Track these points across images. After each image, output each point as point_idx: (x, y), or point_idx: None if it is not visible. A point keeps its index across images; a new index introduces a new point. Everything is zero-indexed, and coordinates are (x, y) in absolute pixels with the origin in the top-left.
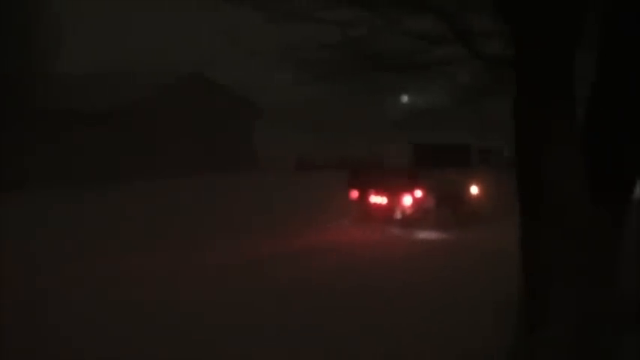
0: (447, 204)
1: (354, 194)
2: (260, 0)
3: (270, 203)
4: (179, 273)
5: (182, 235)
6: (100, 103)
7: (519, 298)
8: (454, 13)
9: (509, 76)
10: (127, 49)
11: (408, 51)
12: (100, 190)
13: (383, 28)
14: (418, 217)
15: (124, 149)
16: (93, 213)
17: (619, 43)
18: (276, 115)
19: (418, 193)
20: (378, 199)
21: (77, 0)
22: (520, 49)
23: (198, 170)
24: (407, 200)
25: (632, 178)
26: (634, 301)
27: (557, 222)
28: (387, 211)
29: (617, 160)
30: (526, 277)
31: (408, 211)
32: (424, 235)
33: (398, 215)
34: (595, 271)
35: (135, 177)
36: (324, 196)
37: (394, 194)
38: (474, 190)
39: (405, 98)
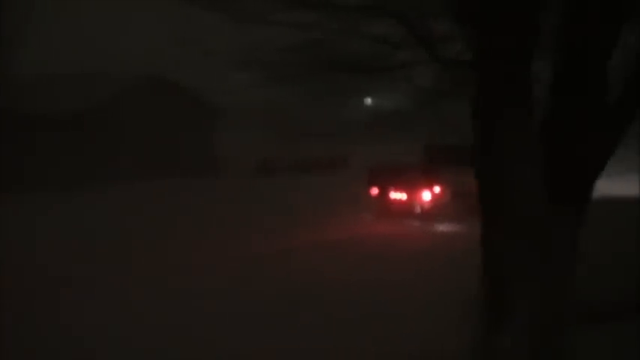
0: (463, 199)
1: (374, 191)
2: (217, 1)
3: (271, 205)
4: (235, 261)
5: (202, 233)
6: (56, 106)
7: (480, 298)
8: (414, 17)
9: (468, 78)
10: (85, 51)
11: (368, 54)
12: (61, 194)
13: (342, 32)
14: (436, 211)
15: (82, 153)
16: (67, 218)
17: (575, 46)
18: (237, 117)
19: (437, 189)
20: (397, 195)
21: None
22: (479, 53)
23: (157, 174)
24: (426, 196)
25: (589, 178)
26: (587, 301)
27: (517, 222)
28: (406, 206)
29: (574, 160)
30: (487, 277)
31: (427, 206)
32: (442, 227)
33: (417, 210)
34: (554, 270)
35: (93, 181)
36: (322, 196)
37: (413, 190)
38: None
39: (368, 100)
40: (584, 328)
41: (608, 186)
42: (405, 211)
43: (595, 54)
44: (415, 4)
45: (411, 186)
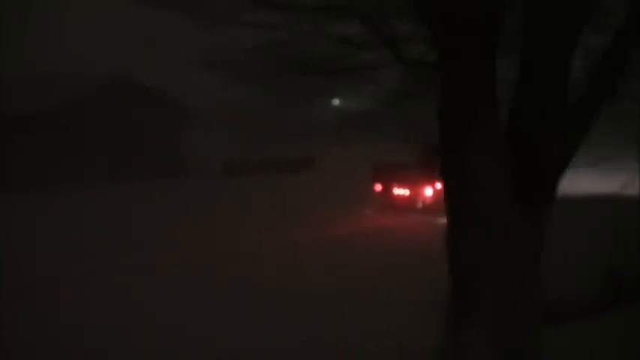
0: None
1: (378, 187)
2: (181, 3)
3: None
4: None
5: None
6: (22, 106)
7: (446, 298)
8: (377, 18)
9: (433, 78)
10: (51, 51)
11: (333, 55)
12: (26, 196)
13: (307, 33)
14: (437, 206)
15: (48, 154)
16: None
17: (538, 46)
18: (205, 117)
19: (437, 185)
20: (401, 191)
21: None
22: (442, 53)
23: (124, 175)
24: (427, 191)
25: (554, 178)
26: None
27: (481, 222)
28: (409, 201)
29: (539, 160)
30: (452, 277)
31: (428, 201)
32: (442, 220)
33: (419, 204)
34: (519, 270)
35: (60, 183)
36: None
37: (416, 186)
38: None
39: (336, 101)
40: (549, 328)
41: (572, 182)
42: (407, 205)
43: (557, 54)
44: (378, 4)
45: (414, 182)
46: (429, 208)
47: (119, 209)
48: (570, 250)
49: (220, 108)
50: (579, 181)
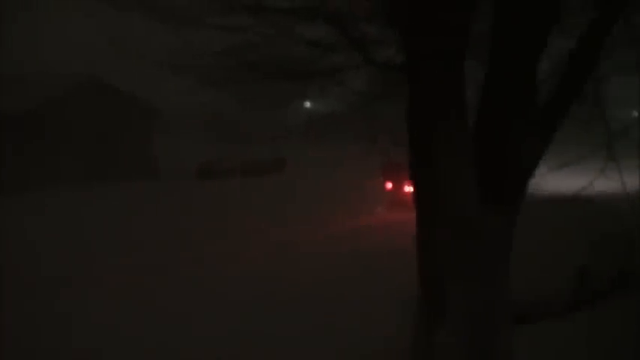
0: None
1: (389, 186)
2: (150, 5)
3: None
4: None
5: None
6: None
7: (417, 298)
8: (346, 20)
9: (401, 80)
10: (17, 52)
11: (302, 58)
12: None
13: (275, 36)
14: None
15: (18, 156)
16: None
17: (507, 48)
18: (178, 120)
19: None
20: (411, 189)
21: None
22: (411, 57)
23: (96, 177)
24: None
25: (522, 178)
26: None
27: (450, 223)
28: None
29: (507, 161)
30: (422, 277)
31: None
32: None
33: None
34: (488, 270)
35: (30, 185)
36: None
37: None
38: None
39: (307, 104)
40: (520, 328)
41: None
42: None
43: (525, 55)
44: (348, 7)
45: None
46: None
47: (91, 212)
48: (541, 250)
49: (193, 111)
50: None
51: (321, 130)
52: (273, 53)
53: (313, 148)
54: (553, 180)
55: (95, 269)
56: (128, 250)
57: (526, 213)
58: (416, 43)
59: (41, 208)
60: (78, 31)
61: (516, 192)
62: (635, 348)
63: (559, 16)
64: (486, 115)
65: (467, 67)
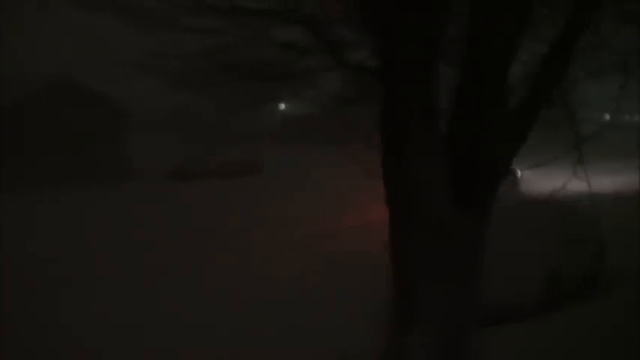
0: None
1: None
2: (121, 6)
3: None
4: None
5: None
6: None
7: (389, 300)
8: (320, 23)
9: (375, 83)
10: None
11: (274, 60)
12: None
13: (249, 38)
14: None
15: None
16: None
17: (478, 52)
18: (152, 121)
19: None
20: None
21: None
22: (384, 61)
23: (69, 179)
24: None
25: (494, 181)
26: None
27: (421, 224)
28: None
29: (479, 164)
30: (394, 279)
31: None
32: None
33: None
34: (460, 272)
35: (1, 187)
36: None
37: None
38: None
39: (282, 106)
40: (490, 330)
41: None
42: None
43: (497, 60)
44: (321, 10)
45: None
46: None
47: (62, 215)
48: (513, 252)
49: (168, 112)
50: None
51: (296, 132)
52: (246, 55)
53: (288, 149)
54: (528, 182)
55: (69, 271)
56: (102, 252)
57: (498, 215)
58: (389, 48)
59: (11, 210)
60: (49, 32)
61: (488, 194)
62: (605, 348)
63: (529, 21)
64: (459, 117)
65: (440, 70)
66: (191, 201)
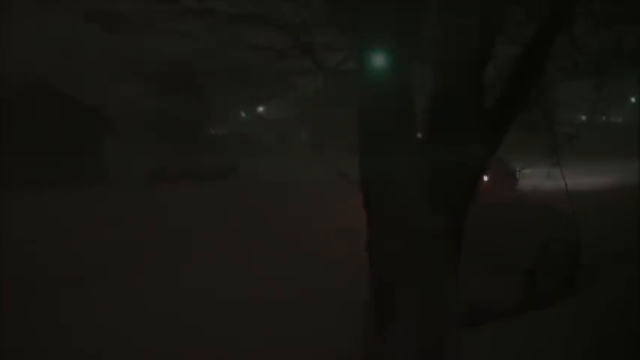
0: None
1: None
2: (94, 12)
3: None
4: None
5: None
6: None
7: (368, 300)
8: (298, 27)
9: (351, 86)
10: None
11: (253, 64)
12: None
13: (226, 42)
14: None
15: None
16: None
17: (453, 55)
18: (128, 125)
19: None
20: None
21: None
22: (361, 62)
23: (45, 183)
24: None
25: (470, 182)
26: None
27: (398, 227)
28: None
29: (455, 167)
30: (373, 280)
31: None
32: None
33: None
34: (437, 273)
35: None
36: None
37: None
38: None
39: (260, 109)
40: (470, 329)
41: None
42: None
43: (472, 63)
44: (299, 13)
45: None
46: None
47: (41, 217)
48: (490, 252)
49: (145, 115)
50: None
51: (275, 135)
52: (224, 59)
53: (267, 152)
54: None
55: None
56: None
57: (475, 214)
58: (366, 51)
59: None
60: (24, 35)
61: (465, 195)
62: (582, 346)
63: (503, 24)
64: (435, 119)
65: (418, 72)
66: (167, 203)
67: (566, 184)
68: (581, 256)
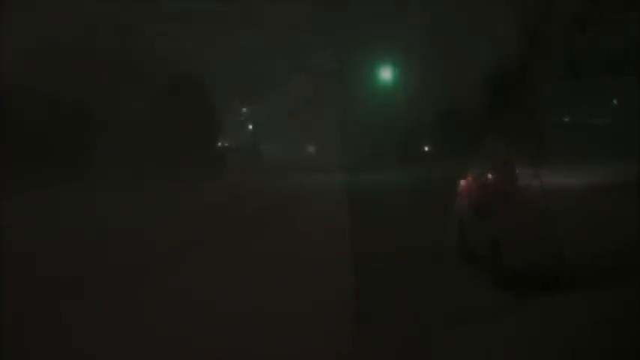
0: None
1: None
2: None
3: None
4: None
5: None
6: None
7: (353, 299)
8: (285, 30)
9: (334, 86)
10: None
11: (238, 65)
12: None
13: (210, 42)
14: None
15: None
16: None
17: (438, 58)
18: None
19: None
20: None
21: None
22: (344, 65)
23: (36, 182)
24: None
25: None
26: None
27: (385, 228)
28: None
29: None
30: (358, 280)
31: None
32: None
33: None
34: (421, 274)
35: None
36: None
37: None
38: None
39: (243, 110)
40: (452, 330)
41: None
42: None
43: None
44: (282, 14)
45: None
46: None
47: (41, 218)
48: (474, 253)
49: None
50: None
51: (260, 135)
52: (206, 60)
53: (252, 152)
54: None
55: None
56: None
57: (458, 215)
58: (349, 53)
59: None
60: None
61: (450, 195)
62: (566, 347)
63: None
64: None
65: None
66: (154, 203)
67: (546, 184)
68: (565, 257)
